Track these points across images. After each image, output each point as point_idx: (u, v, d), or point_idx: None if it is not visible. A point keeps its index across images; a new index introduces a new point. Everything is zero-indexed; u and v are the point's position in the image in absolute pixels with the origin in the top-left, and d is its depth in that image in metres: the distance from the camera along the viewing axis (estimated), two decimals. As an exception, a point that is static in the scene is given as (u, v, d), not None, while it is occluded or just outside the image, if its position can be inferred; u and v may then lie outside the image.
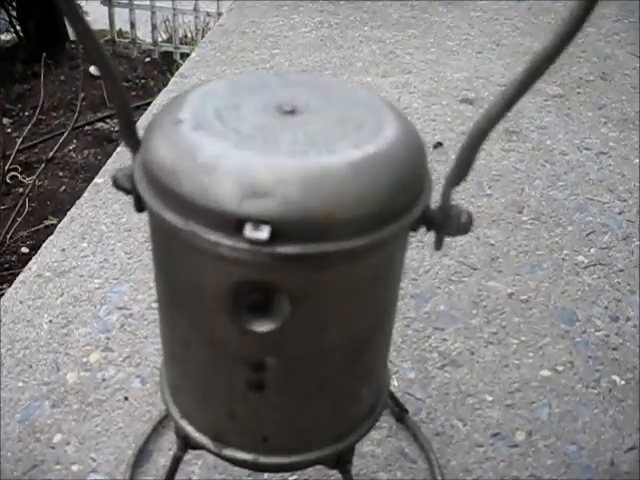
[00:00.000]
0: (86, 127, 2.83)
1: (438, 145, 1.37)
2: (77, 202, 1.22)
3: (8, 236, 1.86)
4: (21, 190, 2.27)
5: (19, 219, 1.86)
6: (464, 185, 1.30)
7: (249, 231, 0.41)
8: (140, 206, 0.49)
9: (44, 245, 1.12)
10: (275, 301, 0.45)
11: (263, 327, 0.46)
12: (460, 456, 0.82)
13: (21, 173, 2.43)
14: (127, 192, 0.50)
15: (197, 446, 0.57)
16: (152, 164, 0.45)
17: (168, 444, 0.82)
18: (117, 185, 0.51)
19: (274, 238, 0.41)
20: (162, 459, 0.81)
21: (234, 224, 0.41)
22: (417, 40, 1.86)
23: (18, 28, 3.24)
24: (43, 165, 1.90)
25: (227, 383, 0.50)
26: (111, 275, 1.06)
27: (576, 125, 1.49)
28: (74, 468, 0.81)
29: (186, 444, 0.59)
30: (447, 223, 0.49)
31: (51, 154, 1.93)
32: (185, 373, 0.54)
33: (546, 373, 0.93)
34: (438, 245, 0.51)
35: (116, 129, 2.67)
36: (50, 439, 0.83)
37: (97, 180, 1.28)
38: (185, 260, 0.46)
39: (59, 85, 3.10)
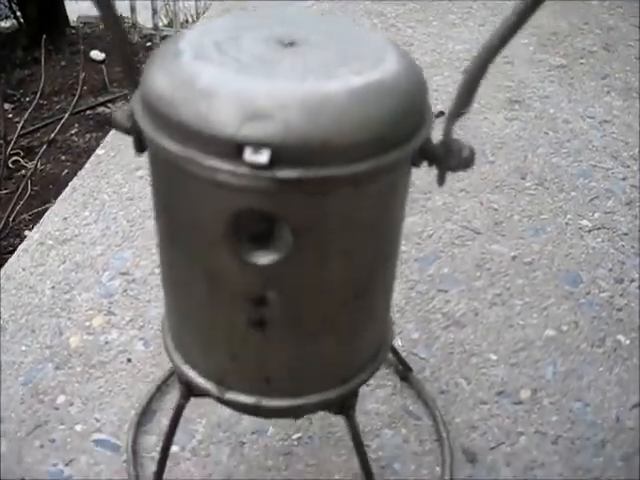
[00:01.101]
0: (87, 112, 2.82)
1: (440, 114, 1.36)
2: (78, 173, 1.22)
3: (11, 219, 1.86)
4: (23, 173, 2.28)
5: (21, 202, 1.86)
6: (467, 152, 1.28)
7: (249, 155, 0.40)
8: (140, 145, 0.48)
9: (46, 214, 1.12)
10: (277, 231, 0.45)
11: (264, 259, 0.45)
12: (465, 413, 0.82)
13: (23, 157, 2.43)
14: (126, 132, 0.50)
15: (200, 392, 0.56)
16: (151, 95, 0.44)
17: (171, 404, 0.82)
18: (116, 125, 0.50)
19: (274, 162, 0.40)
20: (164, 419, 0.81)
21: (234, 149, 0.40)
22: (418, 14, 1.85)
23: (18, 14, 3.23)
24: (44, 147, 1.89)
25: (229, 322, 0.50)
26: (113, 242, 1.05)
27: (579, 94, 1.48)
28: (78, 428, 0.80)
29: (189, 391, 0.59)
30: (449, 157, 0.49)
31: (52, 135, 1.92)
32: (187, 316, 0.54)
33: (551, 333, 0.93)
34: (440, 181, 0.51)
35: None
36: (54, 400, 0.83)
37: (98, 152, 1.27)
38: (185, 191, 0.45)
39: (60, 70, 3.09)
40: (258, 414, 0.58)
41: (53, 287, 0.98)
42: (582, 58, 1.63)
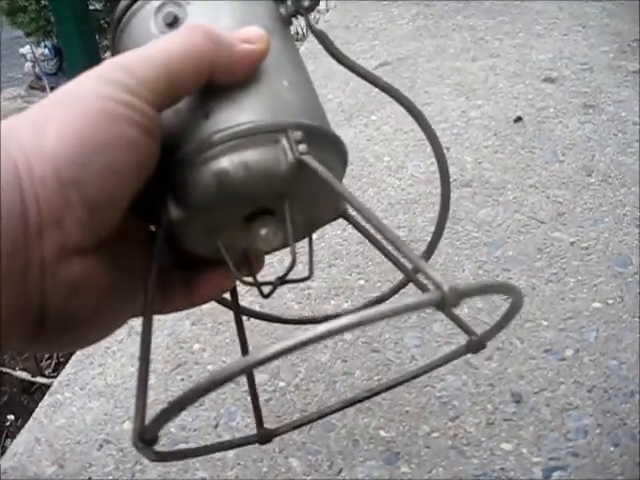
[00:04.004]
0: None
1: (518, 119, 1.53)
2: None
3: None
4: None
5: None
6: (540, 152, 1.46)
7: None
8: None
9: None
10: None
11: None
12: (516, 365, 1.00)
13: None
14: None
15: None
16: None
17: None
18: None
19: None
20: (277, 361, 1.03)
21: None
22: (506, 26, 2.01)
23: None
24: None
25: None
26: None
27: (652, 98, 1.61)
28: (209, 367, 1.05)
29: None
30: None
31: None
32: None
33: (597, 305, 1.09)
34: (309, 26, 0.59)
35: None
36: (191, 347, 1.08)
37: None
38: None
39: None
40: None
41: (189, 263, 1.23)
42: (660, 64, 1.75)
